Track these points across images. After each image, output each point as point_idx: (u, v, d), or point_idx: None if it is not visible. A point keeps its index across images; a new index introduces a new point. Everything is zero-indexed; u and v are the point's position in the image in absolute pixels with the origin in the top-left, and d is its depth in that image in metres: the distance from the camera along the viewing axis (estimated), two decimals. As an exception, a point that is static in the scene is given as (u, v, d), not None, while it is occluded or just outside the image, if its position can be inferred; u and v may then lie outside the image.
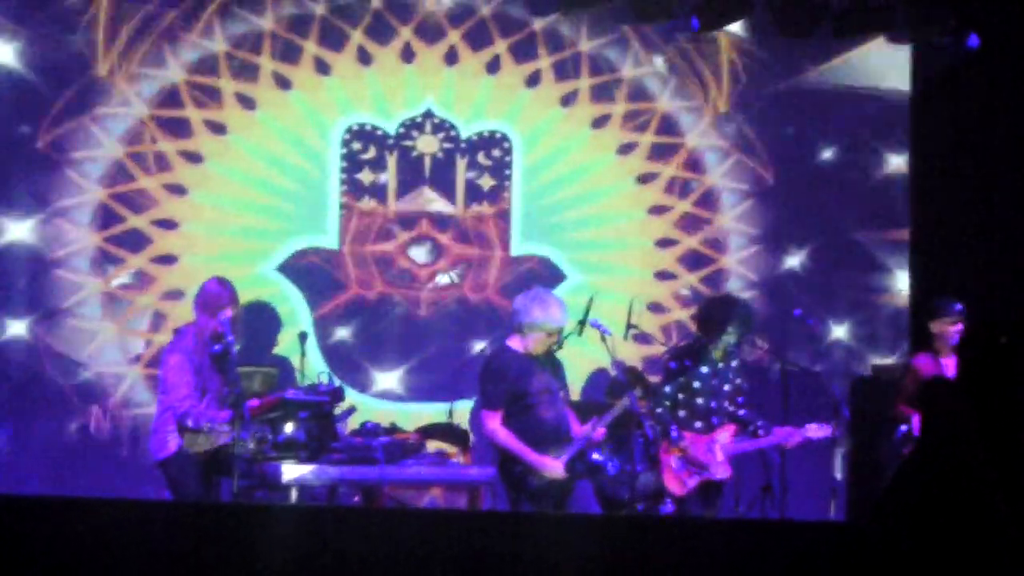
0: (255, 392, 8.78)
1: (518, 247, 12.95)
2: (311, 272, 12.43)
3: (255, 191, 12.39)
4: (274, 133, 12.46)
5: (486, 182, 12.94)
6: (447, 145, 12.86)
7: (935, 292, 10.37)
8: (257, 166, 12.40)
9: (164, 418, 8.37)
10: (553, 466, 8.26)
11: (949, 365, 9.41)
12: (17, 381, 11.13)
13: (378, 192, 12.70)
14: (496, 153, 12.96)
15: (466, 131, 12.93)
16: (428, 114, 12.84)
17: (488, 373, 8.45)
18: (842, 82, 12.93)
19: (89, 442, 10.91)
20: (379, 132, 12.74)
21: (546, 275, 12.75)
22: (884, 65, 12.79)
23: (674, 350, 9.46)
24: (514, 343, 8.53)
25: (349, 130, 12.70)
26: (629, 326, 9.89)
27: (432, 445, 9.06)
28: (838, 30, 11.50)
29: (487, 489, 8.64)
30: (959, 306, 9.57)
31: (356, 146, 12.69)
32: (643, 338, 10.72)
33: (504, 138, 12.98)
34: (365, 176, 12.70)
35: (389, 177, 12.70)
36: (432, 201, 12.78)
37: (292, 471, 8.01)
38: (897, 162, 12.94)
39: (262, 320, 11.67)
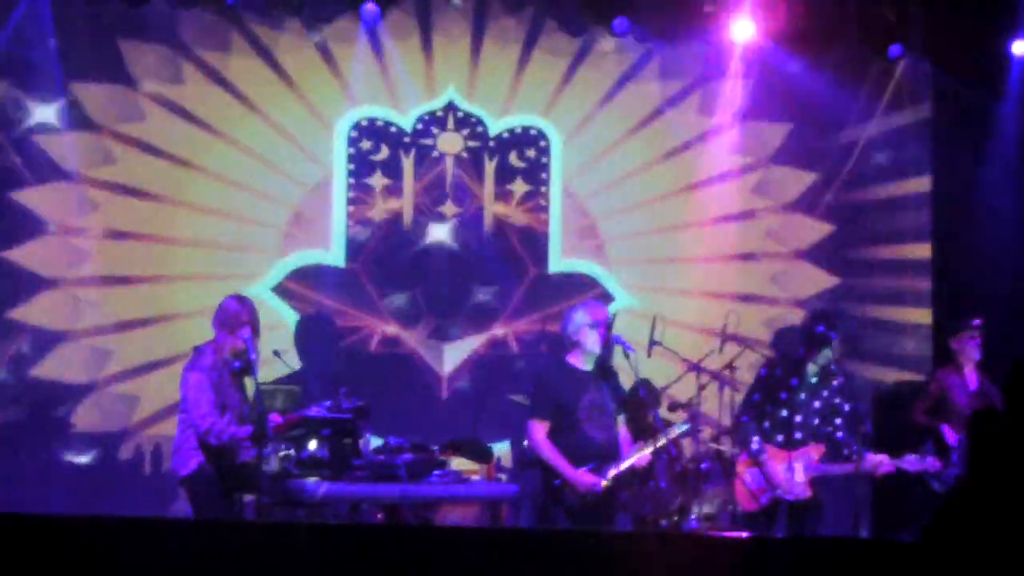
0: (278, 410, 8.93)
1: (557, 263, 11.94)
2: (311, 295, 11.47)
3: (244, 199, 11.35)
4: (267, 130, 11.41)
5: (519, 187, 11.84)
6: (473, 143, 11.81)
7: (957, 308, 10.81)
8: (246, 169, 11.37)
9: (186, 436, 8.54)
10: (588, 482, 8.37)
11: (972, 379, 9.83)
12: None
13: (392, 201, 11.66)
14: (531, 153, 11.88)
15: (495, 128, 11.83)
16: (451, 107, 11.75)
17: (538, 382, 8.75)
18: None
19: (111, 461, 10.76)
20: (393, 128, 11.68)
21: (590, 295, 11.60)
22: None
23: (770, 360, 9.49)
24: (573, 358, 8.70)
25: (357, 126, 11.62)
26: (652, 343, 9.93)
27: (455, 462, 9.21)
28: (859, 44, 11.56)
29: (510, 506, 8.80)
30: (976, 320, 9.92)
31: (365, 145, 11.60)
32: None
33: (541, 135, 11.90)
34: (376, 181, 11.60)
35: (405, 182, 11.67)
36: (455, 210, 11.75)
37: (315, 488, 8.21)
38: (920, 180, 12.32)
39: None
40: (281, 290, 11.32)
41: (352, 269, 11.48)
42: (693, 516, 9.12)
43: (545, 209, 11.86)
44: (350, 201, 11.55)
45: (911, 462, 9.06)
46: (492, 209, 11.74)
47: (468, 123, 11.76)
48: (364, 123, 11.61)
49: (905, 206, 12.22)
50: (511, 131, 11.86)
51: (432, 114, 11.73)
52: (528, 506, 8.90)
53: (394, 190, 11.62)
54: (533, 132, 11.87)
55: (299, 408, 8.92)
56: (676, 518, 9.06)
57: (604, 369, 8.73)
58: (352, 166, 11.56)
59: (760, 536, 8.43)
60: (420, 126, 11.69)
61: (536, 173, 11.88)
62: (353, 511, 8.64)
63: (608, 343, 8.65)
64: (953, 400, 9.80)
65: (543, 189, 11.87)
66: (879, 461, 8.97)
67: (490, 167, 11.75)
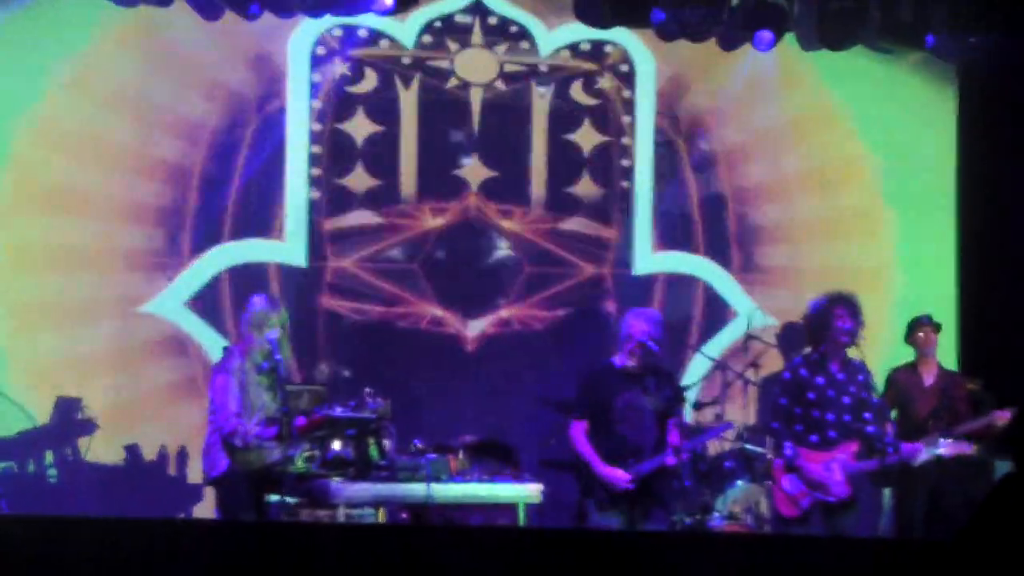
0: (303, 410, 9.28)
1: (646, 260, 9.76)
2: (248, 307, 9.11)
3: (142, 163, 9.04)
4: (177, 58, 8.91)
5: (586, 137, 9.43)
6: (514, 67, 9.44)
7: (983, 307, 11.48)
8: (148, 117, 8.94)
9: (215, 437, 9.06)
10: (616, 477, 9.10)
11: (928, 375, 10.57)
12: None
13: (383, 160, 9.33)
14: (606, 84, 9.59)
15: (549, 43, 9.49)
16: (478, 8, 9.45)
17: (581, 383, 9.40)
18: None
19: (137, 462, 10.40)
20: (383, 43, 9.36)
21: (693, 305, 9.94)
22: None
23: (792, 362, 9.83)
24: (617, 359, 9.24)
25: (322, 40, 9.23)
26: None
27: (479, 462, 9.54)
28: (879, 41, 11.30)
29: (533, 506, 9.15)
30: (925, 318, 10.65)
31: (340, 70, 9.22)
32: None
33: (623, 57, 9.65)
34: (357, 127, 9.20)
35: (404, 129, 9.30)
36: (487, 173, 9.42)
37: (340, 489, 8.82)
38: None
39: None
40: (200, 306, 9.23)
41: (318, 269, 9.29)
42: (717, 514, 9.62)
43: (628, 173, 9.56)
44: (315, 161, 9.13)
45: (948, 446, 9.92)
46: (543, 173, 9.47)
47: (506, 34, 9.42)
48: (335, 34, 9.14)
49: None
50: (574, 48, 9.47)
51: (447, 20, 9.30)
52: (552, 505, 9.38)
53: (386, 143, 9.29)
54: (608, 50, 9.52)
55: (324, 408, 9.27)
56: (700, 517, 9.65)
57: (646, 373, 9.16)
58: (318, 104, 9.16)
59: (787, 535, 9.03)
60: (428, 39, 9.33)
61: (613, 116, 9.68)
62: (378, 511, 9.15)
63: (639, 352, 8.82)
64: (907, 397, 10.35)
65: (624, 141, 9.58)
66: (916, 449, 9.71)
67: (540, 105, 9.38)
